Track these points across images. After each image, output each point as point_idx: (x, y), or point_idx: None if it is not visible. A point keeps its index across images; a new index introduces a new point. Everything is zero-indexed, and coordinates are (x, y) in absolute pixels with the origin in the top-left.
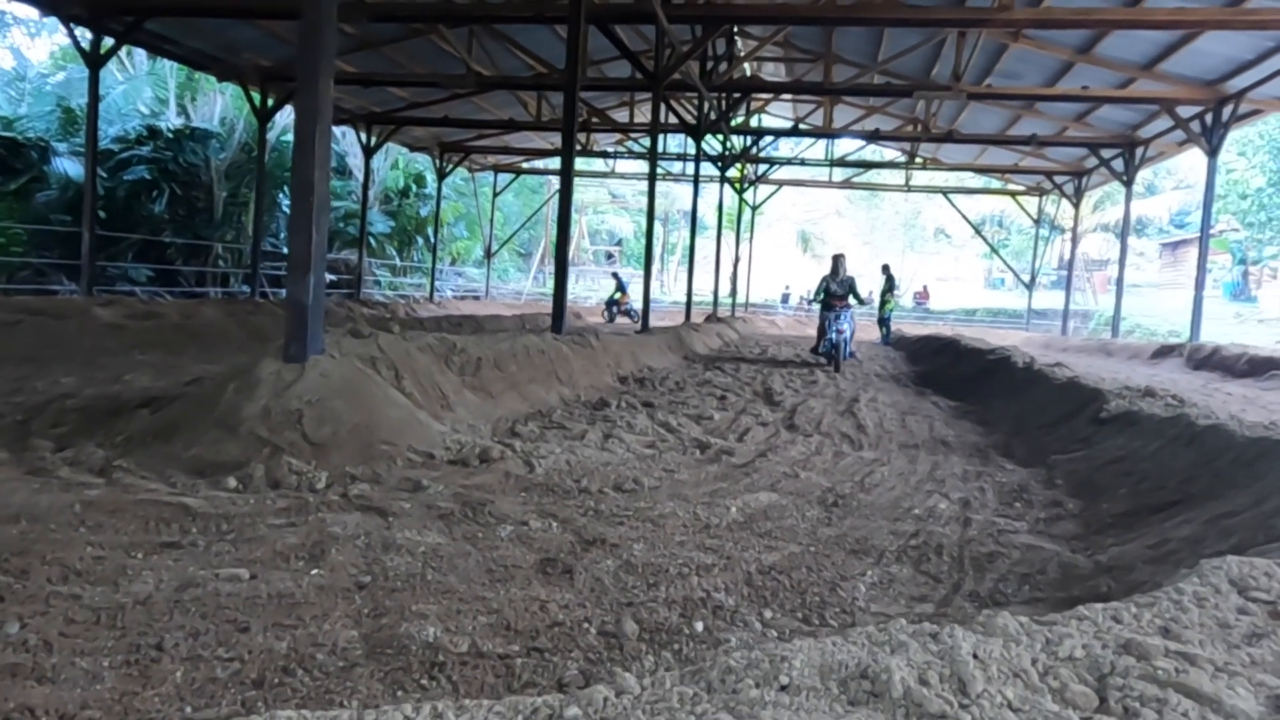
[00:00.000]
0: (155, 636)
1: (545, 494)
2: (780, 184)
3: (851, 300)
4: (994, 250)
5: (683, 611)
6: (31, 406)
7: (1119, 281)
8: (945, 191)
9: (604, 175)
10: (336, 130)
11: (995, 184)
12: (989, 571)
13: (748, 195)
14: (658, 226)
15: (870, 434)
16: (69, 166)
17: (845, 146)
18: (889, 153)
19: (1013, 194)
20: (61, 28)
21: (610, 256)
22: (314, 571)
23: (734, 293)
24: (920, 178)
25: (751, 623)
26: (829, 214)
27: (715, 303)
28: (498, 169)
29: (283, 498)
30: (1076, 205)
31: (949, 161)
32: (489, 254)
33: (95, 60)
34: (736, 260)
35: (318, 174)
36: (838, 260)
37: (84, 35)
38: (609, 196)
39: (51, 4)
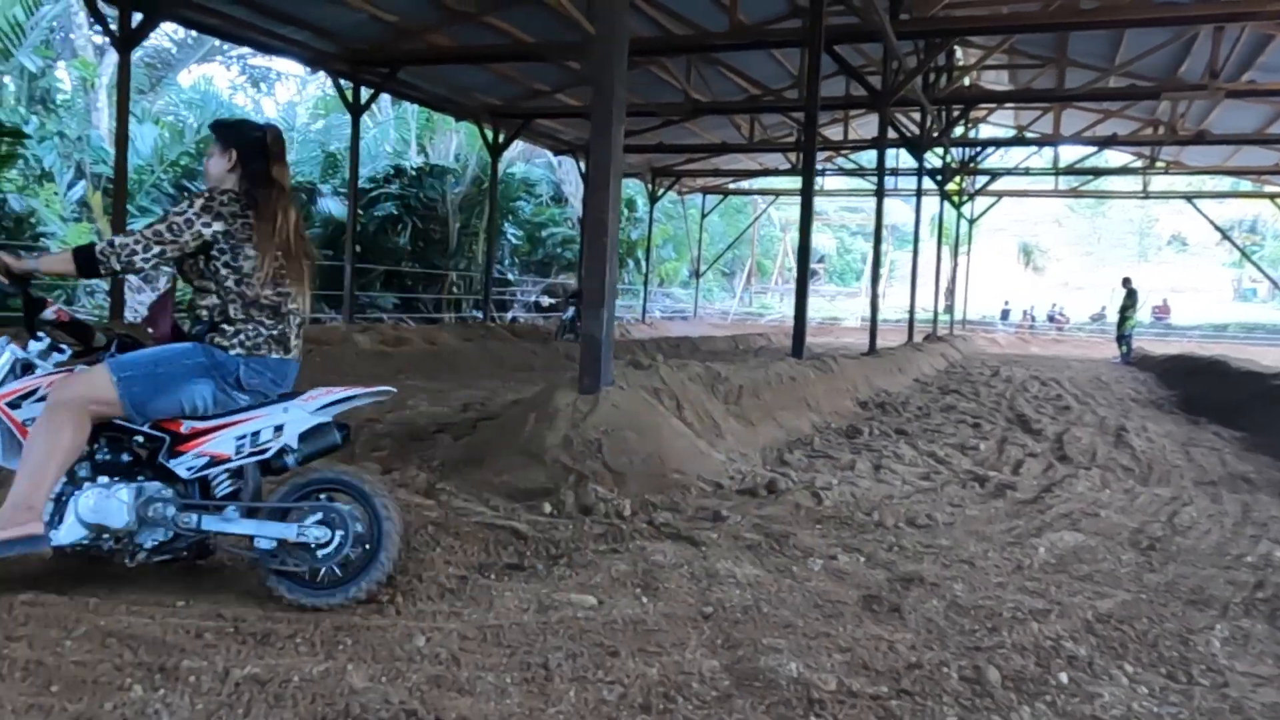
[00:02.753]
0: (539, 656)
1: (840, 527)
2: (1000, 195)
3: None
4: (1246, 257)
5: (1038, 660)
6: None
7: None
8: (1189, 196)
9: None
10: (554, 159)
11: (1244, 185)
12: None
13: (965, 208)
14: (863, 242)
15: (1154, 467)
16: (331, 206)
17: (1070, 152)
18: (1122, 156)
19: (1271, 196)
20: (321, 81)
21: (814, 273)
22: (658, 602)
23: (951, 309)
24: (1158, 183)
25: (1116, 676)
26: (1047, 223)
27: (935, 320)
28: (706, 191)
29: (597, 524)
30: None
31: (1194, 164)
32: (697, 274)
33: (356, 109)
34: (954, 275)
35: (611, 216)
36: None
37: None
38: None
39: (319, 61)
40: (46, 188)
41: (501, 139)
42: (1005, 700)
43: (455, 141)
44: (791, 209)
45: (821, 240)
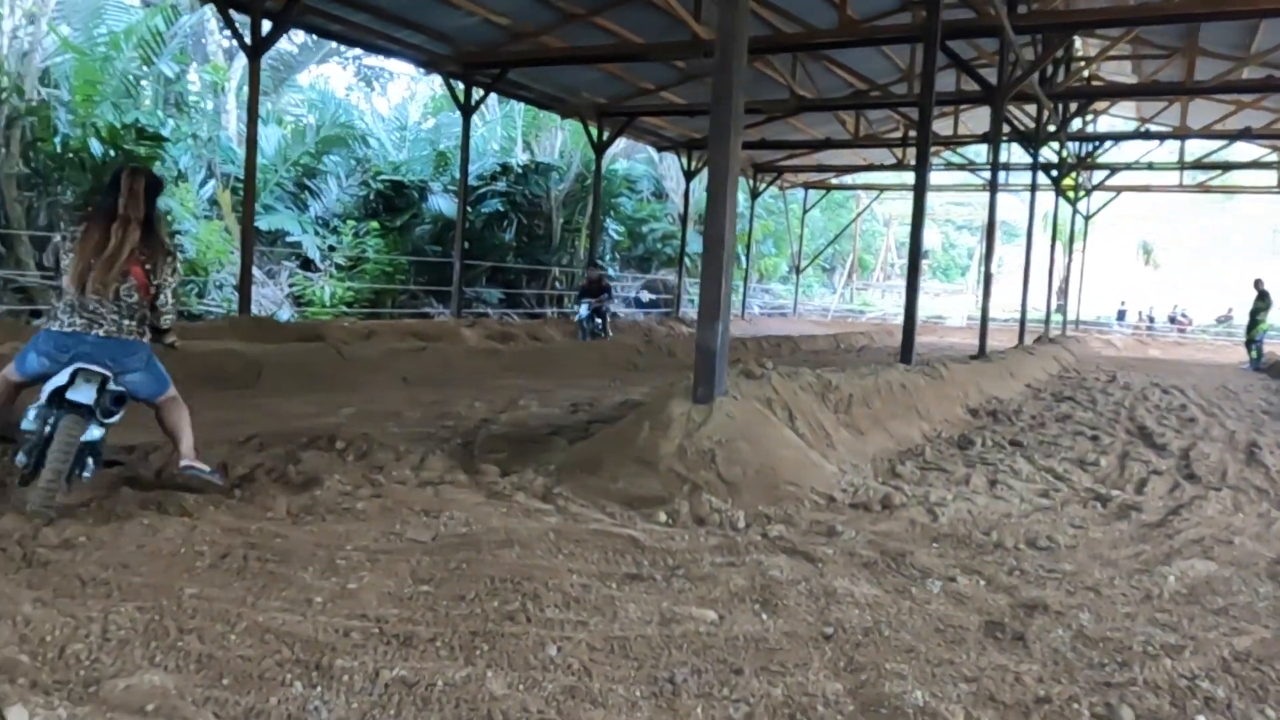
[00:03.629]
0: (665, 671)
1: (958, 546)
2: (1119, 190)
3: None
4: None
5: (1173, 700)
6: (464, 431)
7: None
8: None
9: (913, 187)
10: (654, 155)
11: None
12: None
13: (1081, 203)
14: (968, 236)
15: None
16: (441, 203)
17: (1196, 144)
18: (1254, 150)
19: None
20: (432, 81)
21: None
22: (777, 620)
23: (1064, 310)
24: None
25: None
26: (1169, 219)
27: (1046, 321)
28: (808, 186)
29: (711, 535)
30: None
31: None
32: (797, 270)
33: (467, 109)
34: (1067, 274)
35: (728, 227)
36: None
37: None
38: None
39: (433, 63)
40: (181, 187)
41: (605, 136)
42: None
43: (560, 139)
44: (895, 203)
45: (926, 235)
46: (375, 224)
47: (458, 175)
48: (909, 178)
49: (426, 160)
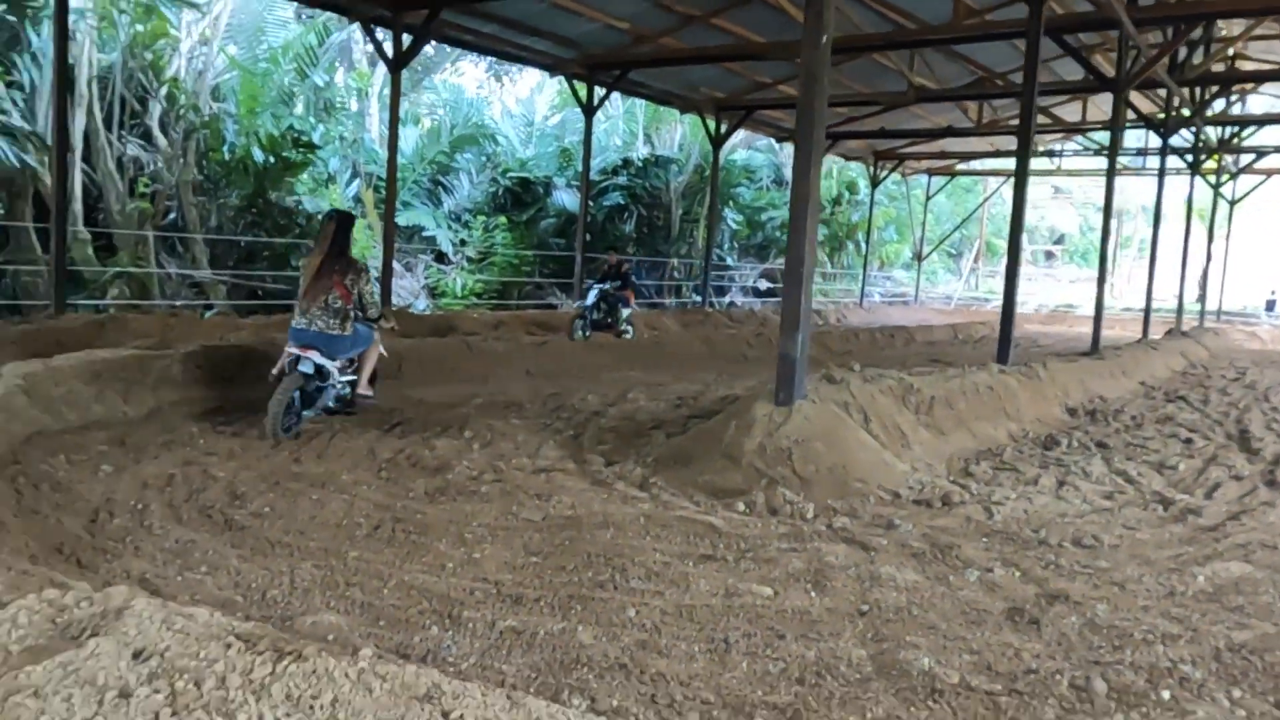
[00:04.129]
0: (721, 633)
1: (1005, 542)
2: (1269, 174)
3: None
4: None
5: (1149, 678)
6: (576, 423)
7: None
8: None
9: (1048, 174)
10: (775, 144)
11: None
12: None
13: (1225, 187)
14: (1097, 217)
15: None
16: (564, 198)
17: None
18: None
19: None
20: (558, 79)
21: (1050, 255)
22: (824, 598)
23: (1203, 300)
24: None
25: (1219, 699)
26: None
27: (1179, 312)
28: (932, 172)
29: (781, 524)
30: None
31: None
32: (919, 257)
33: (590, 109)
34: (1207, 262)
35: (808, 249)
36: None
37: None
38: (1051, 191)
39: (559, 67)
40: (331, 189)
41: (723, 130)
42: (1103, 707)
43: (680, 132)
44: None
45: (1062, 219)
46: (504, 218)
47: (580, 170)
48: (1036, 164)
49: (551, 157)
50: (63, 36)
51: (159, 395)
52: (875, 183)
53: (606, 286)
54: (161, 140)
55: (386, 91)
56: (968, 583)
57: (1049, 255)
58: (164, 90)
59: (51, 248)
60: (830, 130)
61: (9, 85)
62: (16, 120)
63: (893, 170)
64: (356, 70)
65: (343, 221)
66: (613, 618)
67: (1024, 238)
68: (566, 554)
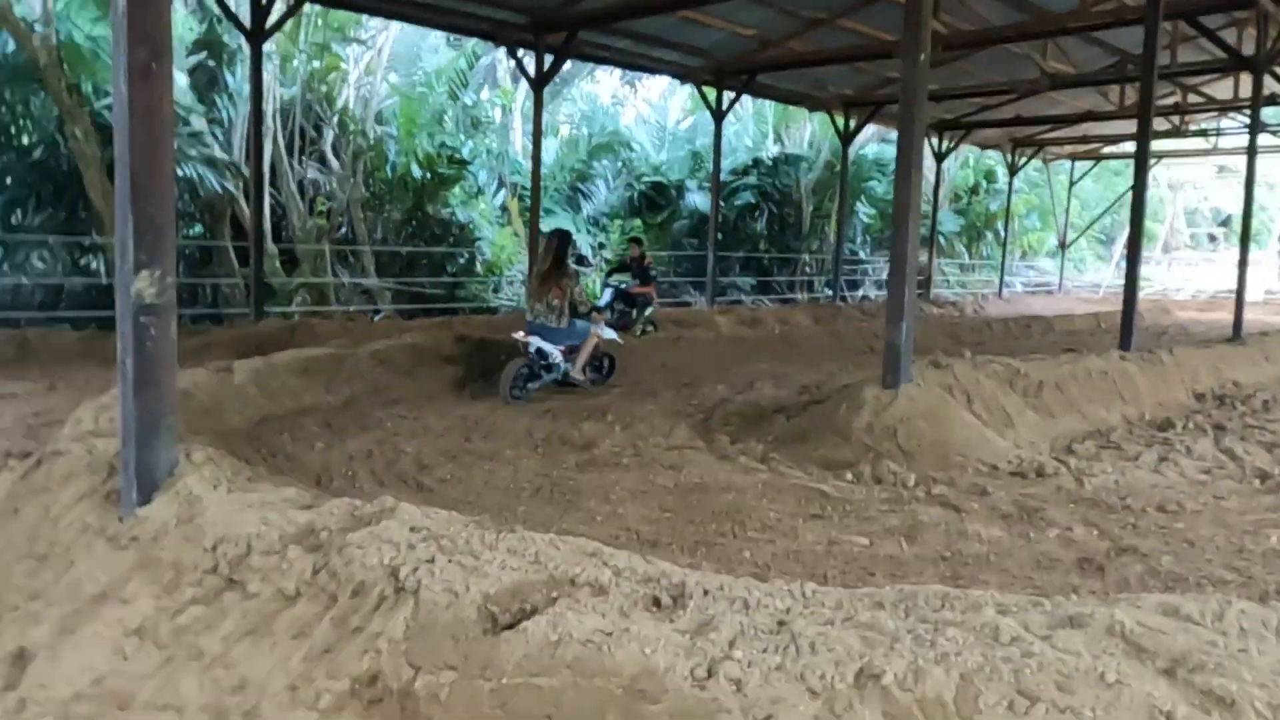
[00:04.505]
0: (820, 571)
1: (1091, 508)
2: None
3: None
4: None
5: None
6: (706, 408)
7: None
8: None
9: (1205, 153)
10: None
11: None
12: None
13: None
14: (1268, 196)
15: None
16: (696, 199)
17: None
18: None
19: None
20: (688, 86)
21: (1213, 238)
22: (913, 547)
23: None
24: None
25: None
26: None
27: None
28: (1075, 157)
29: (884, 491)
30: None
31: None
32: (1063, 245)
33: (719, 114)
34: None
35: (910, 250)
36: None
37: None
38: (1214, 171)
39: (688, 75)
40: (479, 200)
41: (852, 126)
42: None
43: (809, 130)
44: (1183, 169)
45: (1224, 200)
46: (639, 221)
47: (711, 173)
48: (1188, 144)
49: (683, 161)
50: (257, 80)
51: (352, 386)
52: (1013, 170)
53: (623, 285)
54: (334, 163)
55: (528, 105)
56: (1046, 538)
57: (1211, 238)
58: (336, 118)
59: (251, 263)
60: (964, 120)
61: (210, 121)
62: (218, 152)
63: (1032, 157)
64: (501, 88)
65: (561, 238)
66: (731, 558)
67: (1180, 221)
68: (694, 511)
